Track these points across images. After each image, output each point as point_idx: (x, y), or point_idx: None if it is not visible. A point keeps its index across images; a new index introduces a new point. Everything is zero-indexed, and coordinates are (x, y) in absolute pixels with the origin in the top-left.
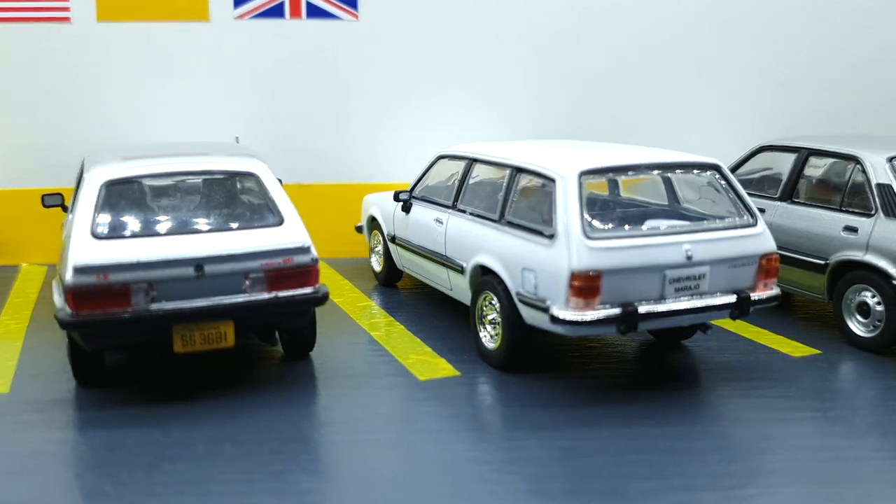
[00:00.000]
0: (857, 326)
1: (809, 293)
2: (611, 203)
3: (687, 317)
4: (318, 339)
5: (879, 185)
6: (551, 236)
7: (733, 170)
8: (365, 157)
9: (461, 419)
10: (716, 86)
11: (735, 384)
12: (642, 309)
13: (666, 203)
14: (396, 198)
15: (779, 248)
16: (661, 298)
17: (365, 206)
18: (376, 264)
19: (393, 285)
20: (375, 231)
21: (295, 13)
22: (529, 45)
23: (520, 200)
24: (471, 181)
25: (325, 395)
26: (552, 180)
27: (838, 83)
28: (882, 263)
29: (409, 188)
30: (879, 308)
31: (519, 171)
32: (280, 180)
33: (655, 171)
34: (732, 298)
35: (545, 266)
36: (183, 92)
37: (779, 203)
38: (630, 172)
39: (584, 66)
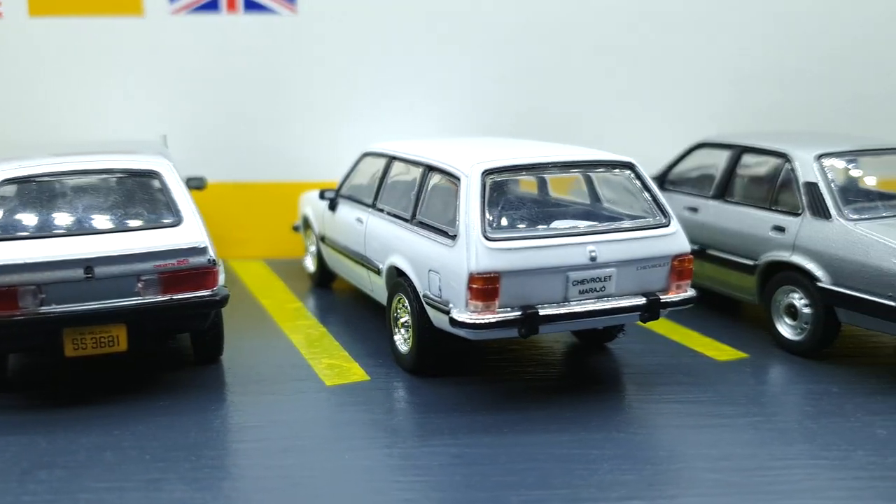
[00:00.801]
0: (785, 329)
1: (742, 295)
2: (521, 203)
3: (593, 319)
4: (235, 342)
5: (807, 184)
6: (454, 237)
7: (671, 167)
8: (303, 153)
9: (356, 426)
10: (666, 82)
11: (652, 389)
12: (543, 311)
13: (584, 203)
14: (322, 196)
15: (712, 248)
16: (565, 301)
17: (301, 205)
18: (310, 265)
19: (328, 286)
20: (309, 231)
21: (231, 7)
22: (472, 40)
23: (430, 200)
24: (389, 180)
25: (224, 401)
26: (458, 179)
27: (792, 79)
28: (807, 264)
29: (336, 186)
30: (807, 310)
31: (430, 169)
32: (202, 178)
33: (567, 170)
34: (641, 301)
35: (448, 268)
36: (117, 88)
37: (712, 202)
38: (538, 171)
39: (530, 62)
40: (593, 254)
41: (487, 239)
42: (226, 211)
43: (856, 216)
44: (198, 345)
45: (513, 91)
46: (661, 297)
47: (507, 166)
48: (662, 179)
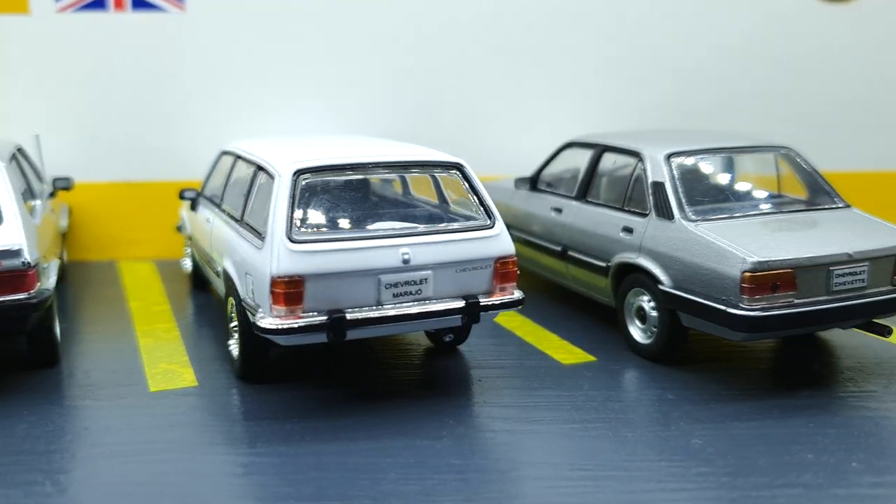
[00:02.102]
0: (637, 332)
1: (600, 297)
2: (338, 204)
3: (409, 323)
4: (83, 345)
5: (654, 184)
6: (264, 238)
7: (542, 168)
8: (193, 152)
9: (151, 433)
10: (562, 81)
11: (483, 394)
12: (352, 315)
13: (408, 204)
14: (181, 196)
15: (572, 249)
16: (378, 304)
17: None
18: (188, 266)
19: (206, 289)
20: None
21: (119, 5)
22: (366, 36)
23: (256, 200)
24: (232, 179)
25: (42, 406)
26: (273, 178)
27: (687, 76)
28: (651, 266)
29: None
30: (654, 314)
31: (258, 168)
32: (69, 179)
33: (391, 171)
34: (460, 303)
35: (256, 270)
36: (1, 87)
37: (574, 202)
38: (358, 171)
39: (426, 58)
40: (406, 256)
41: (292, 241)
42: (116, 211)
43: (697, 217)
44: (31, 348)
45: (408, 90)
46: (481, 299)
47: (322, 166)
48: (535, 180)
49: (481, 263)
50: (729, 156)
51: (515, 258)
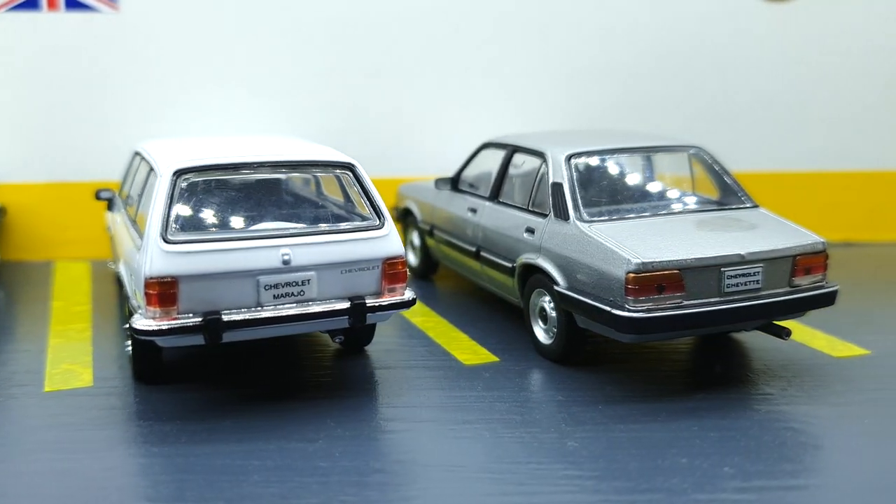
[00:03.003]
0: (540, 333)
1: (510, 297)
2: (222, 204)
3: (290, 325)
4: None
5: (554, 184)
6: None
7: (462, 168)
8: (128, 152)
9: (28, 434)
10: (492, 79)
11: (374, 395)
12: (228, 317)
13: (299, 203)
14: (97, 196)
15: (484, 249)
16: (258, 306)
17: None
18: (113, 266)
19: None
20: None
21: (52, 5)
22: (298, 34)
23: (145, 201)
24: (136, 179)
25: None
26: (157, 178)
27: (627, 76)
28: (549, 267)
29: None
30: (554, 314)
31: (151, 169)
32: None
33: (278, 170)
34: (346, 305)
35: (135, 271)
36: None
37: (487, 203)
38: (244, 171)
39: (356, 57)
40: (286, 257)
41: (166, 241)
42: (52, 211)
43: (592, 218)
44: None
45: (335, 90)
46: (368, 301)
47: (204, 166)
48: (455, 181)
49: (368, 264)
50: (636, 156)
51: (404, 259)
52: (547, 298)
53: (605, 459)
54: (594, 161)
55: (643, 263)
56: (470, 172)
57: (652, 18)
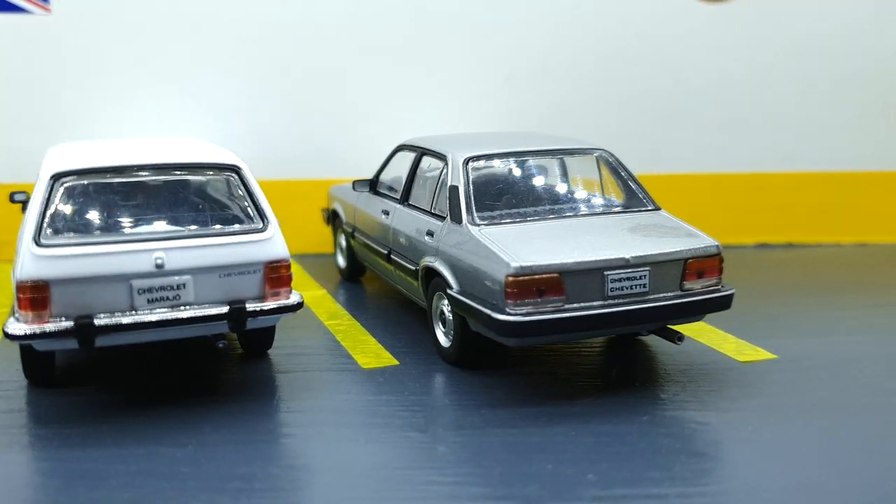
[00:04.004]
0: (441, 336)
1: (418, 300)
2: (100, 208)
3: (166, 330)
4: None
5: (451, 188)
6: None
7: (380, 171)
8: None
9: None
10: (439, 78)
11: (261, 400)
12: (100, 322)
13: (178, 206)
14: (11, 198)
15: (394, 251)
16: (132, 310)
17: None
18: None
19: None
20: None
21: None
22: (237, 35)
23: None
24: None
25: None
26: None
27: (570, 77)
28: (444, 270)
29: None
30: (451, 317)
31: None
32: None
33: (162, 173)
34: (224, 310)
35: (14, 275)
36: None
37: (398, 206)
38: (126, 174)
39: (296, 57)
40: (160, 261)
41: (38, 245)
42: None
43: (483, 221)
44: None
45: (279, 88)
46: (248, 305)
47: (83, 169)
48: (374, 182)
49: (249, 268)
50: (539, 159)
51: (288, 262)
52: (445, 301)
53: (471, 465)
54: (493, 164)
55: (522, 267)
56: (388, 175)
57: (593, 19)
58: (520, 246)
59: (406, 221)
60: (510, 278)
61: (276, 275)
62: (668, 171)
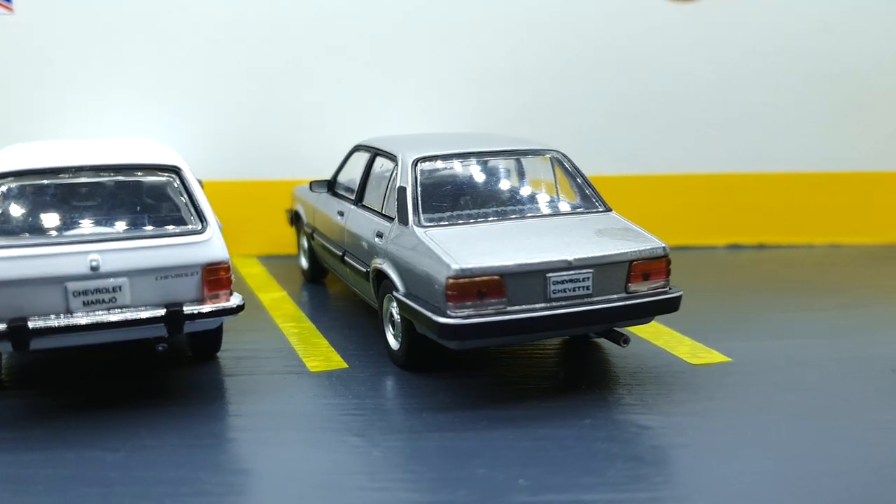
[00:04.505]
0: (391, 339)
1: (372, 302)
2: (37, 209)
3: (102, 333)
4: None
5: (399, 189)
6: None
7: (338, 171)
8: None
9: None
10: (405, 78)
11: (202, 404)
12: (35, 324)
13: (117, 209)
14: None
15: (348, 252)
16: (68, 313)
17: None
18: None
19: None
20: None
21: None
22: (202, 35)
23: None
24: None
25: None
26: None
27: (536, 77)
28: (391, 272)
29: None
30: (399, 320)
31: None
32: None
33: (99, 174)
34: (160, 312)
35: None
36: None
37: (352, 206)
38: (61, 176)
39: (263, 57)
40: (94, 263)
41: None
42: None
43: (430, 223)
44: None
45: (241, 88)
46: (186, 308)
47: (17, 171)
48: (332, 183)
49: (186, 270)
50: (490, 161)
51: (227, 264)
52: (394, 304)
53: (403, 470)
54: (442, 165)
55: (462, 269)
56: (345, 175)
57: (561, 19)
58: (462, 248)
59: (359, 223)
60: (450, 280)
61: (214, 277)
62: (638, 171)
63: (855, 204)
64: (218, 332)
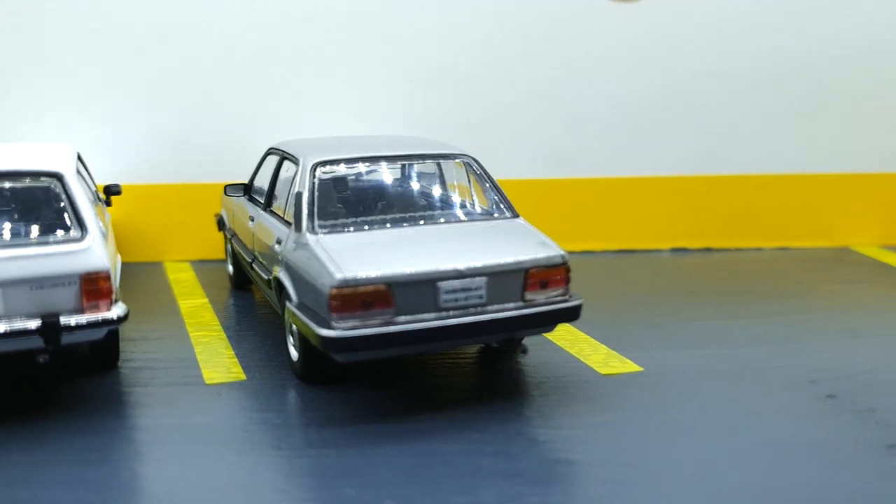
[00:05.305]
0: (292, 349)
1: (280, 311)
2: None
3: None
4: None
5: (296, 194)
6: None
7: (254, 174)
8: None
9: None
10: (342, 80)
11: (89, 419)
12: None
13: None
14: None
15: (255, 259)
16: None
17: None
18: None
19: None
20: None
21: None
22: (135, 36)
23: None
24: None
25: None
26: None
27: (477, 79)
28: (286, 281)
29: None
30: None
31: None
32: None
33: None
34: (35, 324)
35: None
36: None
37: (262, 212)
38: None
39: (197, 59)
40: None
41: None
42: None
43: (323, 230)
44: None
45: (173, 90)
46: (63, 319)
47: None
48: (249, 187)
49: (64, 280)
50: (396, 165)
51: (107, 273)
52: None
53: (273, 489)
54: (343, 169)
55: (345, 279)
56: (260, 179)
57: (500, 20)
58: (351, 256)
59: (264, 229)
60: (334, 291)
61: (93, 287)
62: (580, 175)
63: (805, 207)
64: (111, 342)
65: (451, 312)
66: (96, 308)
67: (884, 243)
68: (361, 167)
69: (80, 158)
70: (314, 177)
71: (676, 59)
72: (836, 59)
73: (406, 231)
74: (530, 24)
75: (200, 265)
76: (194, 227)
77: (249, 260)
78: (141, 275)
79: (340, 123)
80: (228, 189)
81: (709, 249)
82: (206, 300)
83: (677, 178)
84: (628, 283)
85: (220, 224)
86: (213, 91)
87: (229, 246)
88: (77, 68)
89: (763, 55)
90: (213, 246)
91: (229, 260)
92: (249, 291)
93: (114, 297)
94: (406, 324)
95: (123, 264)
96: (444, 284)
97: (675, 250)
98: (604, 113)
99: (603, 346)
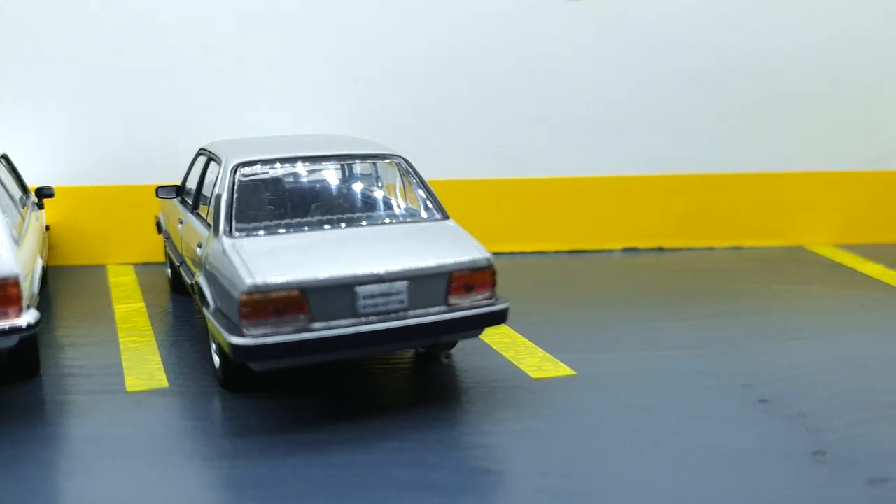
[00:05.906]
0: (215, 357)
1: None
2: None
3: None
4: None
5: (216, 196)
6: None
7: (186, 175)
8: None
9: None
10: (286, 79)
11: (8, 428)
12: None
13: None
14: None
15: (182, 264)
16: None
17: None
18: None
19: None
20: None
21: None
22: (74, 36)
23: None
24: None
25: None
26: None
27: (424, 78)
28: (204, 286)
29: None
30: None
31: None
32: None
33: None
34: None
35: None
36: None
37: (190, 214)
38: None
39: (139, 58)
40: None
41: None
42: None
43: (241, 233)
44: None
45: (117, 91)
46: None
47: None
48: (181, 189)
49: None
50: (322, 166)
51: (16, 279)
52: None
53: (175, 502)
54: (265, 171)
55: (256, 285)
56: (191, 181)
57: (448, 18)
58: (265, 261)
59: (191, 231)
60: (244, 297)
61: (1, 294)
62: (531, 175)
63: (759, 206)
64: (28, 349)
65: (369, 318)
66: (5, 315)
67: (838, 242)
68: (286, 168)
69: (7, 160)
70: (234, 178)
71: (626, 58)
72: (789, 58)
73: (328, 234)
74: (479, 23)
75: (144, 268)
76: (137, 230)
77: (178, 263)
78: (82, 278)
79: (284, 124)
80: (160, 191)
81: (661, 249)
82: (142, 304)
83: (629, 177)
84: (577, 284)
85: (159, 227)
86: (155, 91)
87: (167, 249)
88: (10, 68)
89: (714, 54)
90: (157, 249)
91: (168, 263)
92: (188, 296)
93: (24, 303)
94: (321, 330)
95: (65, 267)
96: (362, 289)
97: (627, 250)
98: (553, 113)
99: (539, 349)
